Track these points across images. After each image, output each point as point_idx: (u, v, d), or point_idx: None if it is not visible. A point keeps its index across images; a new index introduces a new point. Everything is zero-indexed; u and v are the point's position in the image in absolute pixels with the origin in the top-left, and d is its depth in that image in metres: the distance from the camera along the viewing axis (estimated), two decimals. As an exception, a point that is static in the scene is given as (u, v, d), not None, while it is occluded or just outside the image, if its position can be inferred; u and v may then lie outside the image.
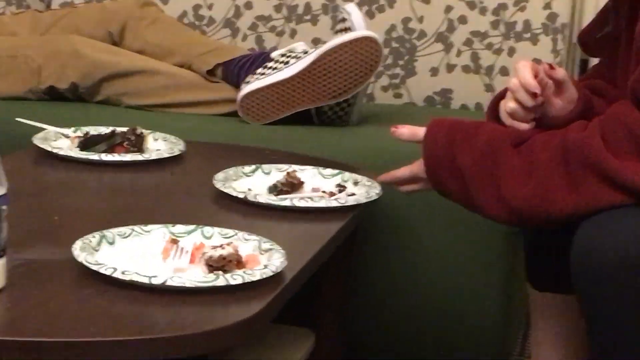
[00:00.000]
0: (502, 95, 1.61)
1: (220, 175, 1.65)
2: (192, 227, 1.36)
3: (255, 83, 2.13)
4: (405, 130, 1.57)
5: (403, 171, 1.59)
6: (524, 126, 1.52)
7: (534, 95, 1.50)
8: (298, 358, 1.75)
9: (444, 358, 2.04)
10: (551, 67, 1.53)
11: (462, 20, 2.51)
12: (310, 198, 1.62)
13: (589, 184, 1.37)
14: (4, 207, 1.15)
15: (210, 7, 2.61)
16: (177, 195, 1.68)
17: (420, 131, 1.54)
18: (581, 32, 1.79)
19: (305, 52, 2.12)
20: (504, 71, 2.48)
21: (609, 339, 1.38)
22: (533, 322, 1.78)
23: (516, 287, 2.02)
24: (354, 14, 2.09)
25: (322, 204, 1.58)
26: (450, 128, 1.52)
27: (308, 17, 2.58)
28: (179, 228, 1.35)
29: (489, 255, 1.96)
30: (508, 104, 1.53)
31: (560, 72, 1.57)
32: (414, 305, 1.99)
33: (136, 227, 1.34)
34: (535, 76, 1.50)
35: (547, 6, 2.48)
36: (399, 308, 2.01)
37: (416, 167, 1.55)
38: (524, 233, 1.76)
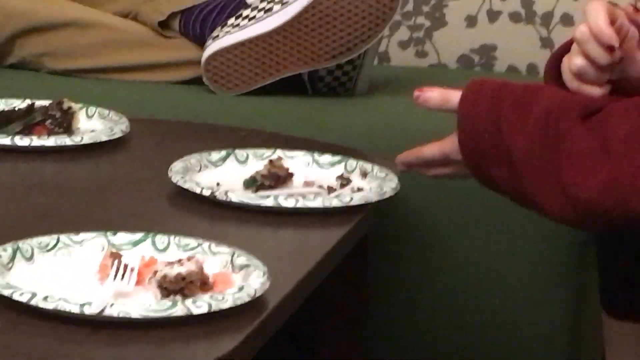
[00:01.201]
0: (566, 49, 1.36)
1: (178, 165, 1.44)
2: (139, 235, 1.21)
3: (225, 38, 1.91)
4: (435, 94, 1.34)
5: (431, 149, 1.36)
6: (597, 91, 1.31)
7: (610, 48, 1.27)
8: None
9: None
10: (636, 9, 1.33)
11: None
12: (302, 195, 1.41)
13: None
14: None
15: None
16: (119, 192, 1.47)
17: (454, 96, 1.31)
18: None
19: None
20: (567, 20, 2.30)
21: None
22: (608, 348, 1.65)
23: (586, 315, 1.90)
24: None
25: (318, 203, 1.36)
26: (495, 93, 1.32)
27: None
28: (122, 237, 1.20)
29: (550, 273, 1.83)
30: (574, 61, 1.30)
31: None
32: (444, 336, 1.85)
33: (63, 237, 1.18)
34: (613, 22, 1.26)
35: None
36: (425, 338, 1.87)
37: (448, 145, 1.33)
38: (598, 241, 1.57)
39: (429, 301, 1.84)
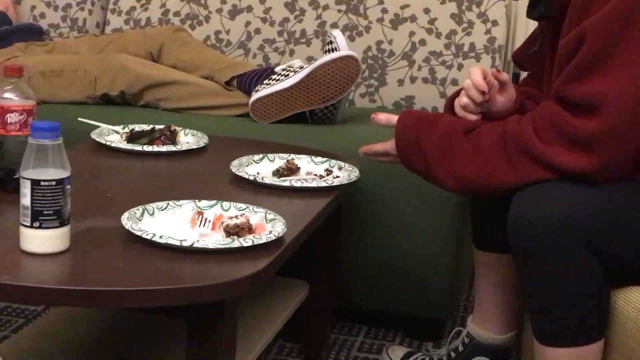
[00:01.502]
0: (456, 94, 1.65)
1: (235, 162, 1.74)
2: (213, 202, 1.44)
3: (263, 91, 2.22)
4: (383, 117, 1.64)
5: (379, 146, 1.65)
6: (473, 117, 1.57)
7: (482, 93, 1.55)
8: (295, 303, 1.84)
9: (410, 301, 2.09)
10: (498, 70, 1.59)
11: (422, 42, 2.59)
12: (305, 180, 1.71)
13: (522, 164, 1.40)
14: (68, 187, 1.21)
15: (227, 32, 2.73)
16: (202, 177, 1.75)
17: (394, 118, 1.60)
18: (515, 51, 1.84)
19: (301, 67, 2.21)
20: (455, 82, 2.55)
21: (534, 282, 1.40)
22: (476, 274, 1.85)
23: (464, 247, 2.12)
24: (339, 37, 2.19)
25: (314, 184, 1.67)
26: (417, 117, 1.57)
27: (303, 40, 2.69)
28: (204, 203, 1.44)
29: (444, 222, 2.03)
30: (462, 99, 1.58)
31: (505, 75, 1.62)
32: (383, 262, 2.08)
33: (170, 202, 1.42)
34: (484, 78, 1.55)
35: (488, 32, 2.54)
36: (374, 265, 2.09)
37: (389, 145, 1.61)
38: (472, 202, 1.84)
39: (372, 241, 2.08)
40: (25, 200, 1.21)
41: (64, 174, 1.22)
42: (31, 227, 1.21)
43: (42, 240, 1.22)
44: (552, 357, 1.43)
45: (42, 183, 1.20)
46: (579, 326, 1.39)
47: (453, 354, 1.87)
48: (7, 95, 1.51)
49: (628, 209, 1.39)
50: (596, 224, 1.35)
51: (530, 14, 1.63)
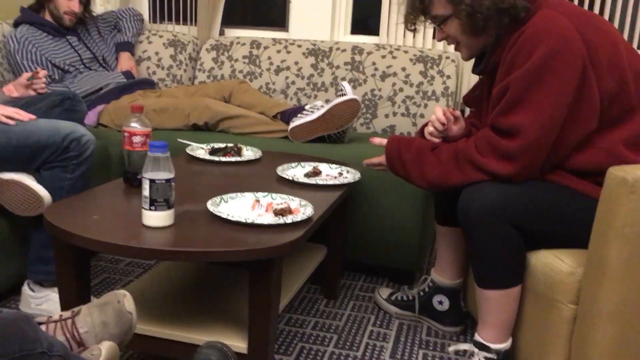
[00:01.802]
0: (425, 125, 1.63)
1: (279, 168, 1.75)
2: (266, 193, 1.46)
3: (297, 121, 2.20)
4: (377, 140, 1.62)
5: (375, 159, 1.63)
6: (437, 141, 1.55)
7: (442, 124, 1.54)
8: (318, 260, 1.83)
9: (393, 257, 2.05)
10: (453, 109, 1.59)
11: (401, 90, 2.54)
12: (325, 179, 1.70)
13: (467, 170, 1.39)
14: (173, 184, 1.24)
15: (274, 83, 2.67)
16: (258, 177, 1.71)
17: (384, 141, 1.59)
18: (464, 95, 1.77)
19: (322, 106, 2.18)
20: (422, 116, 2.50)
21: (475, 248, 1.39)
22: (437, 241, 1.80)
23: (429, 221, 2.09)
24: (347, 86, 2.16)
25: (331, 182, 1.67)
26: (399, 140, 1.56)
27: (323, 88, 2.63)
28: (259, 194, 1.46)
29: (414, 206, 1.99)
30: (429, 129, 1.57)
31: (457, 112, 1.60)
32: (376, 232, 2.04)
33: (238, 194, 1.45)
34: (444, 114, 1.54)
35: (444, 82, 2.49)
36: (369, 234, 2.04)
37: (382, 158, 1.59)
38: (434, 195, 1.79)
39: (368, 219, 2.02)
40: (146, 192, 1.24)
41: (170, 175, 1.25)
42: (149, 209, 1.25)
43: (156, 218, 1.24)
44: (487, 296, 1.41)
45: (156, 181, 1.23)
46: (505, 275, 1.39)
47: (421, 293, 1.85)
48: (132, 124, 1.52)
49: (537, 198, 1.37)
50: (516, 209, 1.34)
51: (474, 71, 1.59)
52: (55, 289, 1.75)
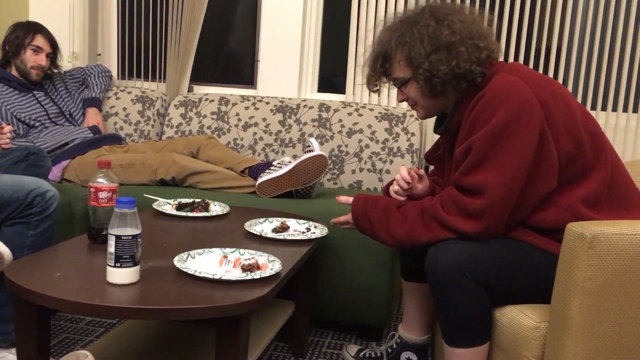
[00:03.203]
0: (390, 183, 1.65)
1: (247, 223, 1.74)
2: (233, 249, 1.45)
3: (265, 177, 2.20)
4: (343, 198, 1.62)
5: (343, 218, 1.61)
6: (402, 199, 1.56)
7: (407, 183, 1.56)
8: (286, 316, 1.79)
9: (360, 313, 2.03)
10: (417, 168, 1.60)
11: (367, 146, 2.56)
12: (293, 235, 1.69)
13: (434, 228, 1.39)
14: (139, 240, 1.22)
15: (242, 139, 2.67)
16: (226, 233, 1.69)
17: (350, 199, 1.59)
18: (425, 153, 1.78)
19: (290, 162, 2.19)
20: (387, 172, 2.51)
21: (442, 305, 1.36)
22: (404, 296, 1.79)
23: (397, 277, 2.07)
24: (314, 142, 2.19)
25: (299, 237, 1.66)
26: (365, 198, 1.54)
27: (291, 144, 2.64)
28: (227, 250, 1.45)
29: (381, 263, 1.98)
30: (394, 187, 1.58)
31: (422, 171, 1.62)
32: (343, 288, 2.02)
33: (205, 249, 1.43)
34: (409, 173, 1.56)
35: (409, 139, 2.53)
36: (336, 290, 2.03)
37: (349, 216, 1.58)
38: (400, 251, 1.77)
39: (335, 274, 2.01)
40: (111, 248, 1.22)
41: (137, 231, 1.23)
42: (114, 266, 1.22)
43: (121, 275, 1.22)
44: (454, 353, 1.40)
45: (122, 237, 1.21)
46: (473, 333, 1.38)
47: (389, 350, 1.82)
48: (99, 180, 1.51)
49: (501, 256, 1.37)
50: (482, 266, 1.34)
51: (435, 130, 1.62)
52: (13, 350, 1.69)
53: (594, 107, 2.62)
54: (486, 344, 1.39)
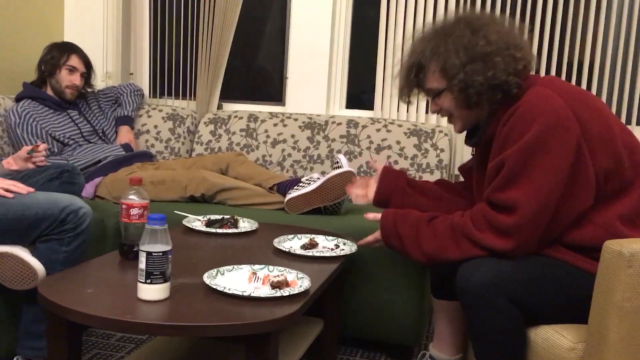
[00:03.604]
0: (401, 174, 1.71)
1: (276, 240, 1.74)
2: (262, 266, 1.45)
3: (293, 193, 2.20)
4: (371, 215, 1.63)
5: (371, 238, 1.62)
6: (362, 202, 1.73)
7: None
8: (313, 335, 1.77)
9: (390, 332, 2.01)
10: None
11: (396, 162, 2.55)
12: (322, 251, 1.69)
13: (465, 245, 1.38)
14: (170, 256, 1.22)
15: (270, 155, 2.69)
16: (255, 249, 1.69)
17: (378, 216, 1.58)
18: (459, 166, 1.79)
19: (318, 178, 2.18)
20: None
21: (474, 323, 1.35)
22: (435, 315, 1.78)
23: (427, 294, 2.05)
24: (342, 159, 2.17)
25: (327, 254, 1.66)
26: (394, 214, 1.54)
27: (319, 161, 2.65)
28: (256, 266, 1.45)
29: (410, 280, 1.98)
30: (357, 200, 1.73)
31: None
32: (372, 306, 2.02)
33: (235, 266, 1.43)
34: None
35: (438, 155, 2.51)
36: (366, 307, 2.02)
37: (378, 234, 1.59)
38: (431, 268, 1.77)
39: (365, 292, 2.00)
40: (142, 265, 1.22)
41: (167, 247, 1.24)
42: (145, 282, 1.22)
43: (152, 291, 1.22)
44: (487, 374, 1.36)
45: (153, 253, 1.22)
46: (505, 352, 1.35)
47: (420, 370, 1.79)
48: (130, 197, 1.52)
49: (535, 274, 1.35)
50: (515, 284, 1.32)
51: (467, 142, 1.60)
52: (45, 366, 1.71)
53: (628, 122, 2.59)
54: (519, 364, 1.36)
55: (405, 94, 1.57)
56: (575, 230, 1.36)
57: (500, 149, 1.38)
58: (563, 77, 2.62)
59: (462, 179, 1.75)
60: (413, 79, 1.51)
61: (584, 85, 2.59)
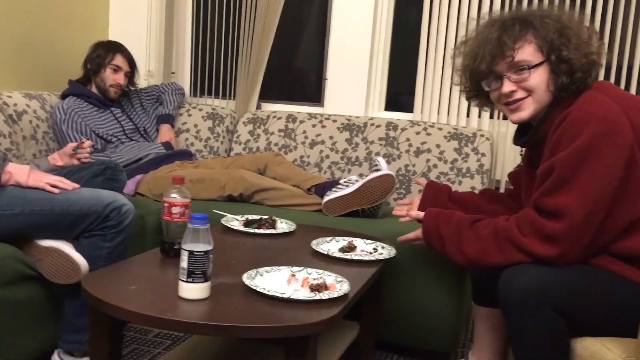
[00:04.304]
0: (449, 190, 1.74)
1: (314, 242, 1.74)
2: (301, 268, 1.45)
3: (331, 195, 2.20)
4: (414, 213, 1.64)
5: (412, 235, 1.62)
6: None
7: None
8: (349, 339, 1.77)
9: (427, 338, 2.00)
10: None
11: (435, 166, 2.52)
12: (360, 255, 1.68)
13: (509, 250, 1.36)
14: (211, 256, 1.22)
15: (308, 156, 2.70)
16: (293, 251, 1.69)
17: (421, 214, 1.59)
18: (509, 173, 1.76)
19: (357, 180, 2.17)
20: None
21: (517, 332, 1.32)
22: (475, 322, 1.77)
23: (465, 300, 2.06)
24: (381, 161, 2.17)
25: (366, 258, 1.65)
26: (437, 214, 1.54)
27: (357, 163, 2.64)
28: (295, 268, 1.44)
29: (449, 285, 1.96)
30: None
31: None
32: (409, 311, 2.00)
33: (274, 267, 1.43)
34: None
35: (479, 160, 2.48)
36: (403, 312, 2.01)
37: (419, 232, 1.59)
38: (472, 274, 1.76)
39: (402, 296, 1.99)
40: (184, 263, 1.22)
41: (209, 247, 1.24)
42: (186, 281, 1.23)
43: (193, 290, 1.22)
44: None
45: (195, 253, 1.22)
46: (549, 362, 1.31)
47: (459, 377, 1.78)
48: (172, 195, 1.53)
49: (582, 283, 1.32)
50: (560, 293, 1.29)
51: (515, 142, 1.57)
52: (85, 359, 1.72)
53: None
54: (563, 378, 1.33)
55: (484, 68, 1.44)
56: (625, 239, 1.33)
57: (551, 153, 1.36)
58: (612, 81, 2.53)
59: (503, 185, 1.74)
60: (497, 50, 1.40)
61: (633, 90, 2.51)
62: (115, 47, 2.58)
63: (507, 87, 1.45)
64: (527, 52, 1.41)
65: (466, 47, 1.50)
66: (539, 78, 1.42)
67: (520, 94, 1.45)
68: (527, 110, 1.46)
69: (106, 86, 2.57)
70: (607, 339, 1.30)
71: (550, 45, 1.39)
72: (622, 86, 2.53)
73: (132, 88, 2.73)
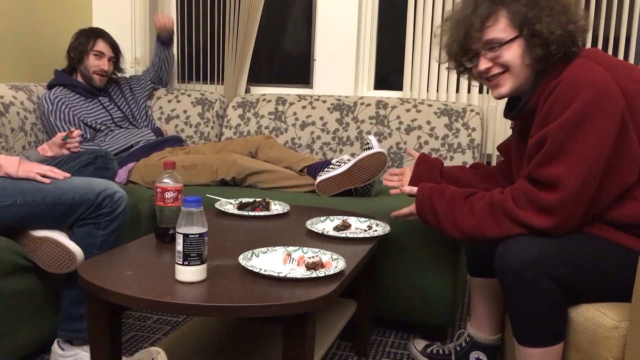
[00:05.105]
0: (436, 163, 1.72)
1: (308, 221, 1.74)
2: (297, 247, 1.46)
3: (324, 175, 2.19)
4: (407, 189, 1.61)
5: (406, 210, 1.61)
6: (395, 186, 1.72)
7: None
8: (348, 315, 1.79)
9: (424, 312, 2.01)
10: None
11: (426, 143, 2.53)
12: (355, 233, 1.69)
13: (504, 223, 1.35)
14: (206, 238, 1.22)
15: (299, 138, 2.69)
16: (288, 231, 1.69)
17: (414, 189, 1.57)
18: (498, 145, 1.76)
19: (349, 160, 2.18)
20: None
21: (514, 303, 1.33)
22: (471, 293, 1.77)
23: (460, 274, 2.07)
24: (373, 139, 2.14)
25: (361, 235, 1.65)
26: (430, 188, 1.53)
27: (349, 142, 2.63)
28: (291, 248, 1.45)
29: (445, 259, 1.96)
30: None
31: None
32: (405, 286, 2.02)
33: (270, 248, 1.44)
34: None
35: (469, 135, 2.48)
36: (399, 288, 2.02)
37: (413, 207, 1.58)
38: (466, 246, 1.75)
39: (398, 272, 2.00)
40: (179, 247, 1.22)
41: (203, 230, 1.23)
42: (182, 264, 1.22)
43: (189, 273, 1.23)
44: (527, 354, 1.35)
45: (190, 236, 1.22)
46: (547, 332, 1.33)
47: (458, 348, 1.79)
48: (165, 180, 1.52)
49: (578, 252, 1.33)
50: (556, 262, 1.29)
51: (506, 115, 1.56)
52: (85, 348, 1.74)
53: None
54: (560, 344, 1.34)
55: (459, 53, 1.46)
56: (618, 207, 1.33)
57: (542, 124, 1.35)
58: (609, 53, 2.53)
59: (495, 159, 1.73)
60: (474, 30, 1.41)
61: (631, 62, 2.50)
62: (97, 33, 2.55)
63: (483, 64, 1.45)
64: (498, 29, 1.40)
65: (446, 25, 1.50)
66: (512, 53, 1.40)
67: (496, 70, 1.44)
68: (505, 86, 1.45)
69: (90, 74, 2.54)
70: (603, 305, 1.31)
71: (523, 19, 1.37)
72: (621, 58, 2.52)
73: (118, 74, 2.70)
